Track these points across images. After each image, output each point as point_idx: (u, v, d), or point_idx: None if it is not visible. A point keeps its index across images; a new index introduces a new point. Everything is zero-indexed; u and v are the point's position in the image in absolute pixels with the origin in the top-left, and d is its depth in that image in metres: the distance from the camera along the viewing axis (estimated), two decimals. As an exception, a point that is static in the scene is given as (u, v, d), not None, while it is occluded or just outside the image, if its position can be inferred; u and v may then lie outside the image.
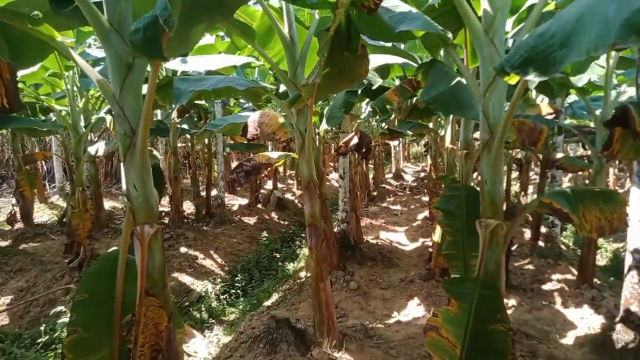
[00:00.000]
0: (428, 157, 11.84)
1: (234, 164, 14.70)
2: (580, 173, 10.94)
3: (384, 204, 11.39)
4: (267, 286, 6.04)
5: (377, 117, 7.50)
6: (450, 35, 2.72)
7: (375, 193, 12.55)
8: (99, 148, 4.40)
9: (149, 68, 1.79)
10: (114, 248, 6.40)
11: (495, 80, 1.94)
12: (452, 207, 3.13)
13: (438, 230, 4.71)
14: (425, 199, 11.65)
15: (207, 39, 5.00)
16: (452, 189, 3.36)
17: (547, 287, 5.02)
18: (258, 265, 7.03)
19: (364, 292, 5.11)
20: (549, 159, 4.60)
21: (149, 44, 1.40)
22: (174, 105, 6.27)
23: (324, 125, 5.05)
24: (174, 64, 3.58)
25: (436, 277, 5.09)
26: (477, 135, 4.43)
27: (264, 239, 8.04)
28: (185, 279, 5.94)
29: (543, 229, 6.72)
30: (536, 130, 3.76)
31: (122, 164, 1.79)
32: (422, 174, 18.55)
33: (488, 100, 1.98)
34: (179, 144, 10.16)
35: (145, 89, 1.87)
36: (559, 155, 4.67)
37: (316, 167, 3.50)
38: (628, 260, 3.50)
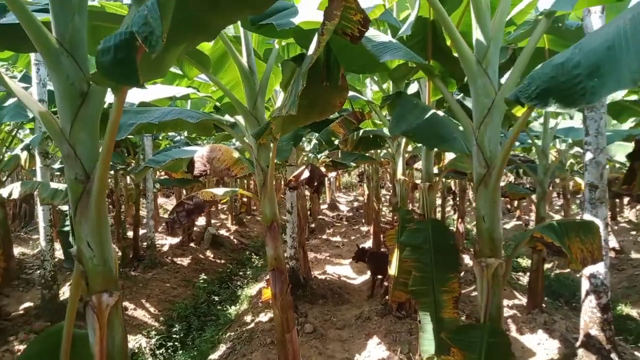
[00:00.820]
0: (365, 187, 11.93)
1: (158, 200, 13.77)
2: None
3: (324, 236, 11.21)
4: (209, 335, 5.50)
5: (316, 149, 7.41)
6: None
7: (313, 225, 12.34)
8: (13, 189, 3.74)
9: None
10: (28, 304, 5.54)
11: (491, 112, 1.86)
12: (419, 242, 3.02)
13: (394, 263, 4.59)
14: (364, 229, 11.68)
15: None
16: (418, 222, 3.25)
17: (499, 313, 5.07)
18: (196, 312, 6.51)
19: (320, 335, 4.80)
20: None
21: (120, 66, 1.10)
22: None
23: (272, 159, 4.79)
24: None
25: (394, 312, 4.93)
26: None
27: (201, 281, 7.48)
28: (116, 335, 5.21)
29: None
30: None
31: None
32: (356, 204, 18.76)
33: (483, 133, 1.88)
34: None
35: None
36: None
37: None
38: (585, 285, 3.60)
